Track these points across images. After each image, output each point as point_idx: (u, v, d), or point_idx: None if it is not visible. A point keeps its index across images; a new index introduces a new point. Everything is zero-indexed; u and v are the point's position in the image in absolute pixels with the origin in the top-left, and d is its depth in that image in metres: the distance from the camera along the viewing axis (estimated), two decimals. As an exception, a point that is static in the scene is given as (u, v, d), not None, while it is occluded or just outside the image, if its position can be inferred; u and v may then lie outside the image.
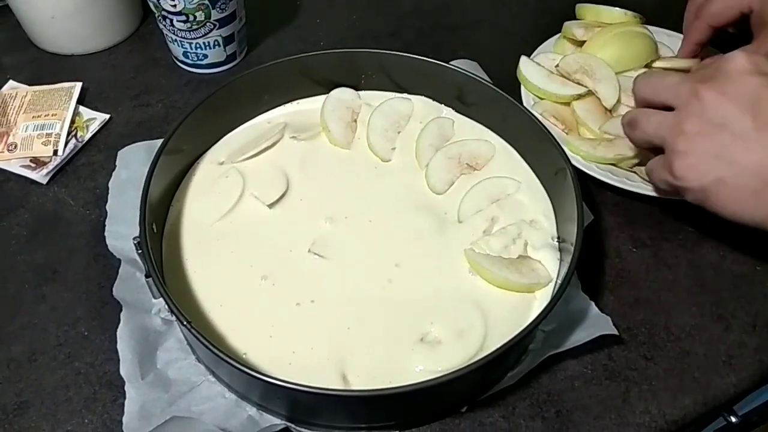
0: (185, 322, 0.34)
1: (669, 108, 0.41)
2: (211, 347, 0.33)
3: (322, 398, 0.34)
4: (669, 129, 0.40)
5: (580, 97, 0.53)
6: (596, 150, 0.49)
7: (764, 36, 0.48)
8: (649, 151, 0.44)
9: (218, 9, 0.53)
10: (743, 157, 0.37)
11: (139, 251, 0.39)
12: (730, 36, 0.55)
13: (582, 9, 0.60)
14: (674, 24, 0.60)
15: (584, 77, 0.53)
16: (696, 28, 0.54)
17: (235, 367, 0.33)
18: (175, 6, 0.52)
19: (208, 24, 0.54)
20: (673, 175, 0.40)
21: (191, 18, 0.53)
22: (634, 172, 0.49)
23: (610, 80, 0.53)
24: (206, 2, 0.52)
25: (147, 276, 0.39)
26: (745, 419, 0.50)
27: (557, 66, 0.55)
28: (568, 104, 0.53)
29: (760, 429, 0.54)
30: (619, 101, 0.53)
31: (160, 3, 0.53)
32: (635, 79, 0.45)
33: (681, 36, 0.59)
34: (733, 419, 0.49)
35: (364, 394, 0.34)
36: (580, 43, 0.57)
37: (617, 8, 0.58)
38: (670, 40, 0.59)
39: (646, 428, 0.39)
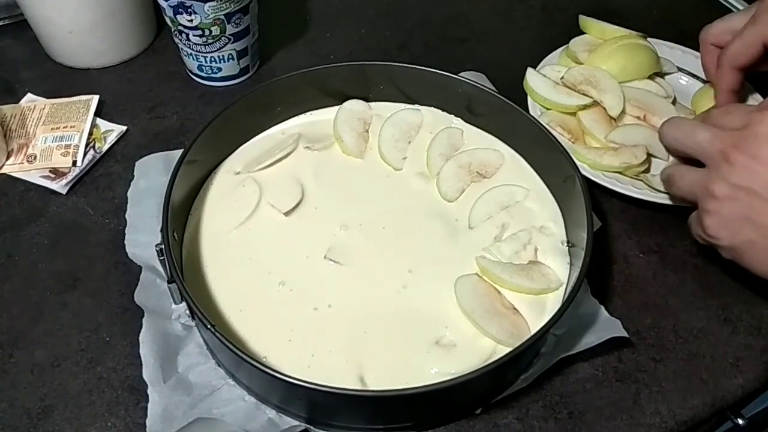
0: (209, 326, 0.35)
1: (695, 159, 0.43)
2: (234, 349, 0.34)
3: (342, 398, 0.35)
4: (701, 189, 0.41)
5: (585, 107, 0.54)
6: (602, 158, 0.51)
7: None
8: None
9: (233, 24, 0.55)
10: None
11: (161, 258, 0.40)
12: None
13: (586, 23, 0.61)
14: (674, 37, 0.62)
15: (589, 88, 0.55)
16: (723, 77, 0.51)
17: (259, 369, 0.34)
18: (191, 21, 0.54)
19: (223, 38, 0.56)
20: (705, 233, 0.42)
21: (207, 32, 0.55)
22: (640, 180, 0.51)
23: (614, 90, 0.54)
24: (222, 17, 0.54)
25: (170, 282, 0.40)
26: (752, 421, 0.51)
27: (563, 78, 0.56)
28: (573, 114, 0.55)
29: (767, 432, 0.55)
30: (623, 111, 0.54)
31: (176, 18, 0.54)
32: (662, 126, 0.46)
33: (681, 48, 0.61)
34: (740, 422, 0.50)
35: (381, 394, 0.35)
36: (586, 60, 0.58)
37: (621, 27, 0.59)
38: (671, 53, 0.61)
39: (657, 428, 0.40)
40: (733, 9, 0.71)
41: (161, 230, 0.40)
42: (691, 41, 0.59)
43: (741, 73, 0.51)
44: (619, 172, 0.51)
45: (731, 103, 0.51)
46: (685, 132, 0.44)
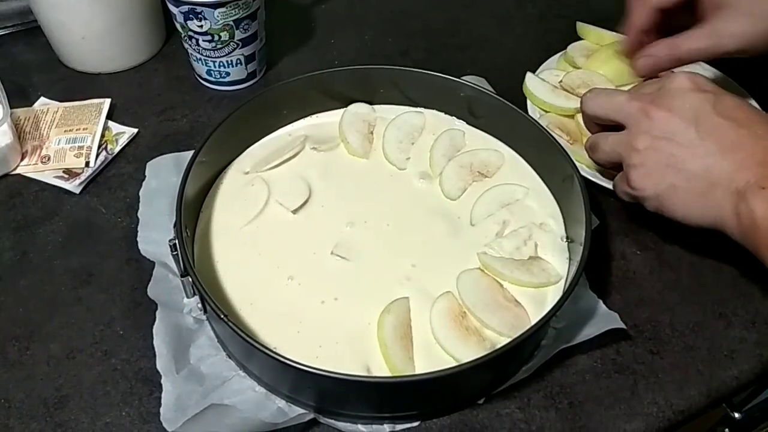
0: (222, 316, 0.37)
1: (620, 125, 0.46)
2: (247, 338, 0.36)
3: (350, 385, 0.36)
4: (624, 146, 0.45)
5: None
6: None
7: (717, 18, 0.48)
8: (612, 168, 0.49)
9: (241, 29, 0.57)
10: (690, 163, 0.42)
11: (174, 252, 0.41)
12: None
13: (583, 29, 0.63)
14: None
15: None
16: (639, 12, 0.51)
17: (272, 357, 0.35)
18: (201, 27, 0.55)
19: (231, 43, 0.57)
20: (631, 186, 0.45)
21: (216, 38, 0.56)
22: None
23: None
24: (231, 23, 0.56)
25: (183, 275, 0.42)
26: (748, 415, 0.53)
27: (561, 81, 0.58)
28: (572, 117, 0.57)
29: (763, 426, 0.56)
30: None
31: (187, 24, 0.56)
32: (583, 97, 0.49)
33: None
34: (737, 415, 0.51)
35: (388, 380, 0.37)
36: (584, 65, 0.60)
37: (617, 33, 0.61)
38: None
39: (654, 418, 0.41)
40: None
41: (174, 226, 0.42)
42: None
43: (659, 14, 0.51)
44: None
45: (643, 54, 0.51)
46: (604, 98, 0.47)
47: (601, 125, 0.49)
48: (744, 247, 0.42)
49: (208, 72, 0.60)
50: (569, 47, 0.62)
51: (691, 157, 0.42)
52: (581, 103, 0.49)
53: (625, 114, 0.45)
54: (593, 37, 0.62)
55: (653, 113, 0.43)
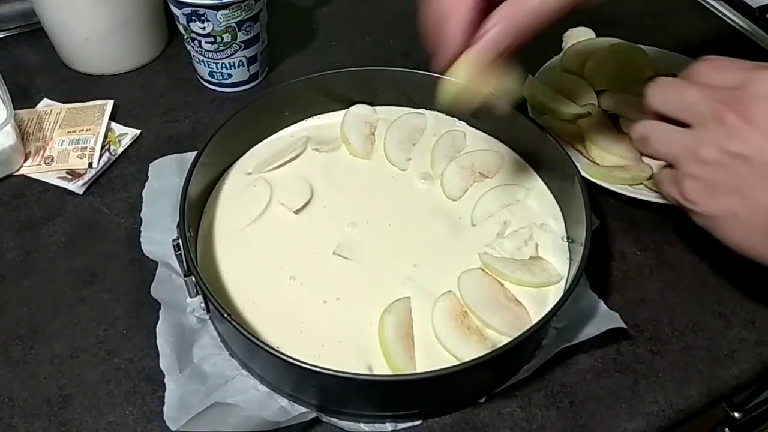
0: (225, 315, 0.37)
1: (684, 123, 0.38)
2: (250, 337, 0.36)
3: (352, 384, 0.36)
4: (685, 151, 0.38)
5: (581, 116, 0.56)
6: (613, 173, 0.52)
7: None
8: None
9: (243, 31, 0.57)
10: (762, 193, 0.35)
11: (178, 252, 0.42)
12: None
13: (575, 32, 0.64)
14: (668, 44, 0.64)
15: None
16: (458, 7, 0.37)
17: (275, 356, 0.35)
18: (204, 28, 0.56)
19: (233, 45, 0.58)
20: (683, 196, 0.38)
21: (218, 40, 0.57)
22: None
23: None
24: (233, 25, 0.56)
25: (186, 275, 0.42)
26: (748, 415, 0.53)
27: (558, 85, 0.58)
28: (572, 122, 0.57)
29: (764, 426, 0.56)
30: (625, 117, 0.56)
31: (189, 26, 0.56)
32: (648, 87, 0.41)
33: (676, 54, 0.63)
34: (737, 415, 0.52)
35: (390, 379, 0.37)
36: (581, 70, 0.60)
37: (611, 38, 0.61)
38: (666, 59, 0.63)
39: (655, 417, 0.41)
40: (721, 15, 0.73)
41: (178, 226, 0.42)
42: (685, 47, 0.61)
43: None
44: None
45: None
46: (674, 93, 0.39)
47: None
48: None
49: (211, 74, 0.61)
50: (567, 49, 0.62)
51: (763, 186, 0.35)
52: (645, 93, 0.41)
53: (695, 113, 0.37)
54: (585, 42, 0.63)
55: (729, 121, 0.35)
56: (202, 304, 0.43)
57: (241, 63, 0.60)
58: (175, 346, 0.42)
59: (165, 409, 0.39)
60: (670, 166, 0.40)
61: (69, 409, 0.41)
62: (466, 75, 0.39)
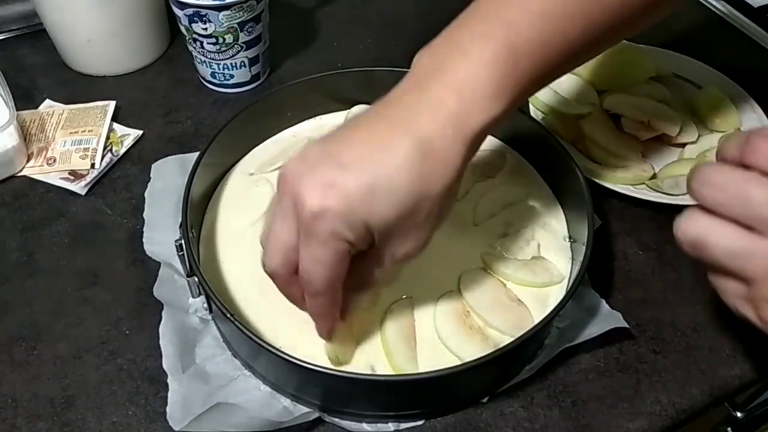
0: (228, 315, 0.37)
1: (747, 227, 0.29)
2: (253, 337, 0.36)
3: (355, 384, 0.36)
4: (755, 265, 0.29)
5: (583, 116, 0.56)
6: (615, 174, 0.52)
7: None
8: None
9: (245, 32, 0.57)
10: None
11: (180, 253, 0.42)
12: None
13: None
14: (669, 45, 0.64)
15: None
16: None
17: (277, 356, 0.35)
18: (206, 29, 0.56)
19: (235, 46, 0.58)
20: (759, 317, 0.31)
21: (220, 41, 0.57)
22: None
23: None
24: (235, 26, 0.56)
25: (189, 276, 0.42)
26: (750, 415, 0.53)
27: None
28: (574, 121, 0.57)
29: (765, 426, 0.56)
30: (627, 117, 0.56)
31: (191, 27, 0.56)
32: (692, 182, 0.31)
33: (677, 54, 0.63)
34: (739, 414, 0.52)
35: (391, 379, 0.37)
36: (582, 70, 0.60)
37: None
38: (667, 59, 0.63)
39: (657, 416, 0.42)
40: (722, 14, 0.73)
41: (180, 226, 0.42)
42: (686, 47, 0.61)
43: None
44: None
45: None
46: (732, 192, 0.29)
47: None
48: None
49: (213, 74, 0.61)
50: None
51: None
52: (689, 189, 0.31)
53: (763, 220, 0.28)
54: None
55: None
56: (205, 305, 0.43)
57: (243, 64, 0.60)
58: (177, 347, 0.42)
59: (168, 409, 0.39)
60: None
61: (72, 409, 0.41)
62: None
